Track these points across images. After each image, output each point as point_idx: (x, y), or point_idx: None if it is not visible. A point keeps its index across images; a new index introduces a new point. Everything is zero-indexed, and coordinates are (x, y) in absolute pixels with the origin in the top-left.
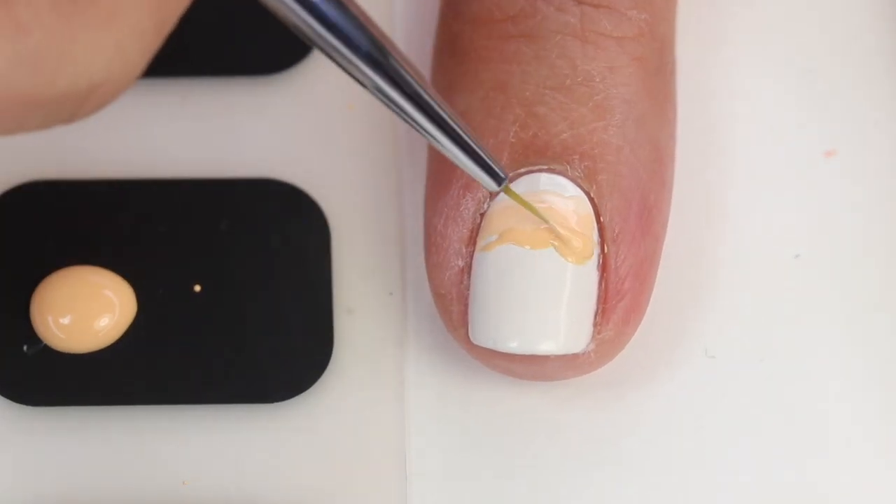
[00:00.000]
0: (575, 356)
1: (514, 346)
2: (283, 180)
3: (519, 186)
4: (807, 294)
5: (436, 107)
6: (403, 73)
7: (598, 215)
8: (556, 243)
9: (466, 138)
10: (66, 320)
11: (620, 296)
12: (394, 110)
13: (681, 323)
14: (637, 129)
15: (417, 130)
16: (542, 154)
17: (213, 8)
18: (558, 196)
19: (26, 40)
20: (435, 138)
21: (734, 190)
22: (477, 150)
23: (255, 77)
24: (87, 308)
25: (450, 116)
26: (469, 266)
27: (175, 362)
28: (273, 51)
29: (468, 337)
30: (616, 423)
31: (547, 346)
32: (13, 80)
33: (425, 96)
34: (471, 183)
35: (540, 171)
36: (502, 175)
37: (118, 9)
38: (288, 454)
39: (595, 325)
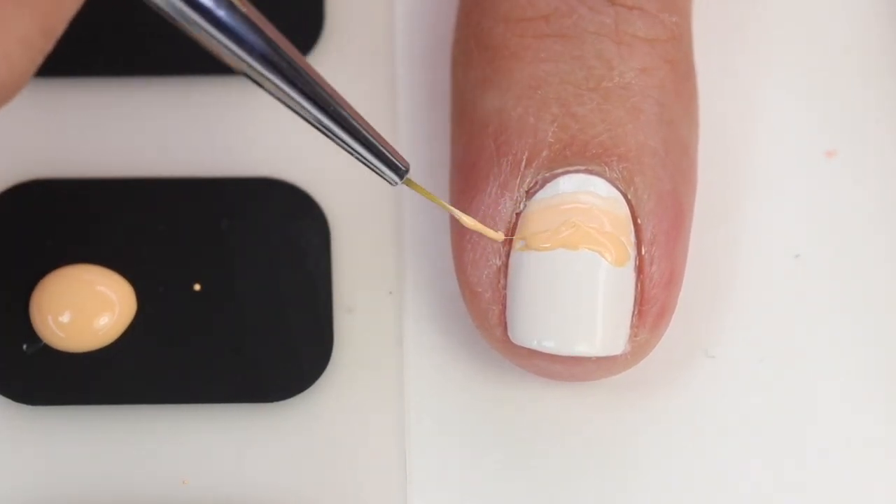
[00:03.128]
0: (614, 357)
1: (552, 346)
2: (283, 180)
3: (557, 187)
4: (807, 294)
5: (333, 103)
6: (299, 70)
7: (634, 218)
8: (594, 246)
9: (366, 133)
10: (65, 319)
11: (656, 299)
12: (290, 107)
13: (681, 323)
14: (670, 132)
15: (315, 127)
16: (580, 155)
17: None
18: (594, 197)
19: None
20: (334, 135)
21: (734, 190)
22: (377, 144)
23: None
24: (86, 307)
25: (347, 112)
26: (506, 265)
27: (175, 362)
28: None
29: (504, 336)
30: (616, 424)
31: (585, 348)
32: None
33: (322, 93)
34: (508, 182)
35: (578, 171)
36: (402, 167)
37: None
38: (288, 454)
39: (632, 327)
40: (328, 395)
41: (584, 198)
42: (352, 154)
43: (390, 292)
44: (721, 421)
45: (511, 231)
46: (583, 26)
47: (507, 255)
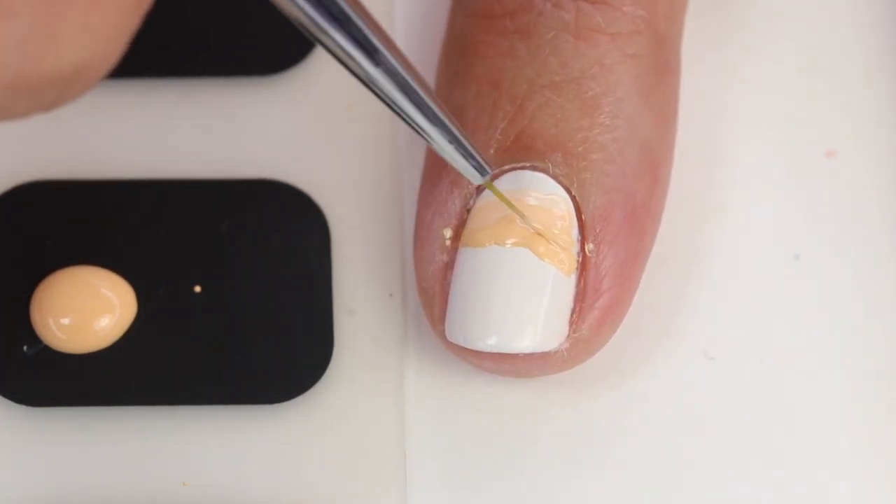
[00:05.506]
0: (546, 354)
1: (481, 344)
2: (283, 181)
3: (502, 183)
4: (807, 294)
5: (425, 97)
6: (395, 63)
7: (579, 213)
8: (526, 243)
9: (454, 129)
10: (66, 321)
11: (598, 295)
12: (383, 99)
13: (681, 324)
14: (626, 128)
15: (404, 119)
16: (527, 151)
17: (213, 8)
18: (536, 193)
19: (15, 23)
20: (422, 128)
21: (734, 190)
22: (463, 141)
23: (255, 77)
24: (87, 308)
25: (438, 108)
26: (453, 262)
27: (175, 362)
28: (273, 51)
29: (443, 333)
30: (616, 424)
31: (519, 345)
32: (2, 63)
33: (414, 86)
34: (459, 178)
35: (523, 168)
36: (487, 168)
37: None
38: (288, 455)
39: (571, 323)
40: (328, 397)
41: (526, 194)
42: (438, 150)
43: (391, 294)
44: (721, 421)
45: (461, 228)
46: (543, 22)
47: (456, 252)
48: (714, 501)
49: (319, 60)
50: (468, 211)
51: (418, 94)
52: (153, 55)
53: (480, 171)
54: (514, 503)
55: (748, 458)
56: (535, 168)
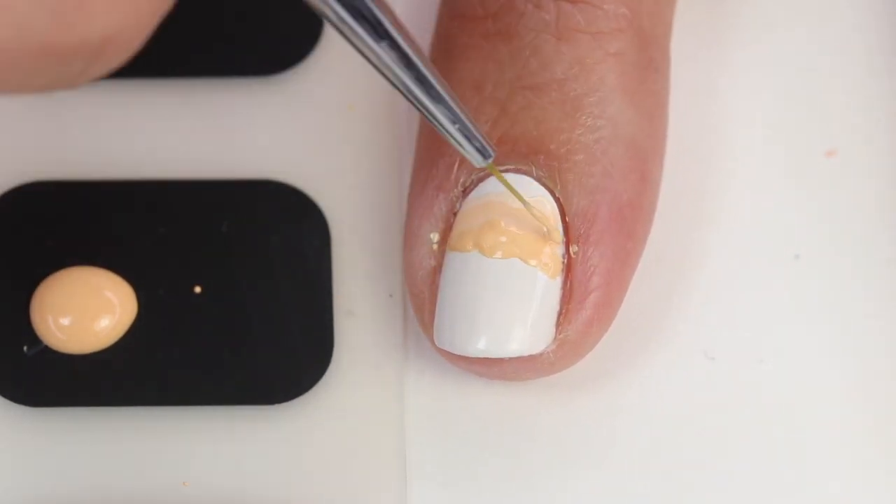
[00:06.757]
0: (534, 357)
1: (470, 349)
2: (283, 181)
3: (486, 187)
4: (807, 294)
5: (428, 75)
6: (400, 39)
7: (563, 216)
8: (510, 246)
9: (457, 109)
10: (66, 321)
11: (584, 296)
12: (385, 76)
13: (681, 324)
14: (610, 127)
15: (406, 97)
16: (509, 154)
17: (213, 8)
18: (524, 197)
19: None
20: (424, 105)
21: (734, 190)
22: (466, 122)
23: (255, 77)
24: (87, 309)
25: (442, 87)
26: (441, 266)
27: (175, 363)
28: (273, 51)
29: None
30: (616, 425)
31: (506, 349)
32: (31, 24)
33: (418, 62)
34: (445, 182)
35: (507, 171)
36: (490, 151)
37: None
38: (288, 455)
39: (557, 325)
40: (328, 398)
41: (510, 197)
42: (441, 131)
43: (390, 295)
44: (721, 421)
45: (448, 232)
46: (524, 23)
47: (444, 257)
48: (714, 501)
49: (319, 60)
50: (455, 214)
51: (421, 71)
52: (153, 55)
53: (483, 153)
54: (514, 503)
55: (748, 458)
56: (518, 171)
